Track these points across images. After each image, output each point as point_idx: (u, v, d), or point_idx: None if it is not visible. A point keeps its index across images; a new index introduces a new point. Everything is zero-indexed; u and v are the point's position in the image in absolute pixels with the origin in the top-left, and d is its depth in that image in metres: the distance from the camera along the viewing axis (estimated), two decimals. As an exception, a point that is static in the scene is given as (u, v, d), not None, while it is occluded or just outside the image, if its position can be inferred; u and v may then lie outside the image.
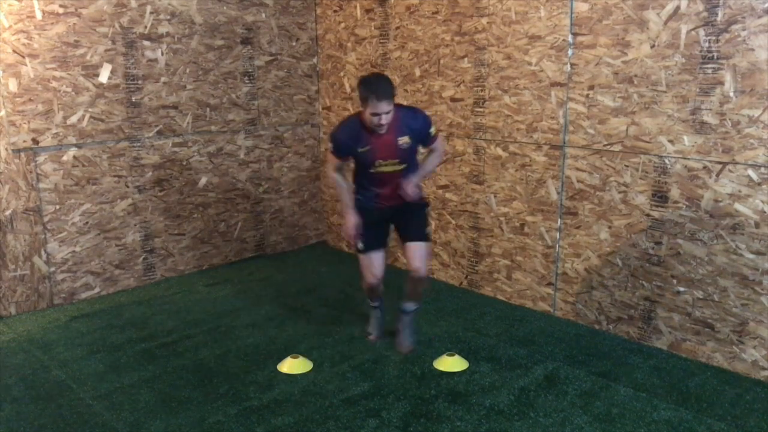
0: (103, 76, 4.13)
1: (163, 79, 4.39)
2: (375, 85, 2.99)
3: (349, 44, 4.89)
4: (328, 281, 4.58)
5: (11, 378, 3.23)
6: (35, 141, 3.94)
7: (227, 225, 4.92)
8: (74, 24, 3.97)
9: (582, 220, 3.68)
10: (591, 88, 3.50)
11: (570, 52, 3.56)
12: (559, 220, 3.78)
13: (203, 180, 4.72)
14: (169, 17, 4.35)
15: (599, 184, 3.56)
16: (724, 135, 3.03)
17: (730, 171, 3.05)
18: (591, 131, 3.54)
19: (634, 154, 3.38)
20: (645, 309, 3.48)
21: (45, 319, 3.98)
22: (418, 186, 3.28)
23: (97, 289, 4.34)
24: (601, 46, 3.41)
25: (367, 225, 3.30)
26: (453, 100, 4.22)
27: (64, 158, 4.07)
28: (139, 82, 4.29)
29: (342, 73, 5.01)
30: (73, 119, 4.06)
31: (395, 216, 3.36)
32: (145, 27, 4.25)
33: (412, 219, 3.34)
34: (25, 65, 3.83)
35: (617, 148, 3.44)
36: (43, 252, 4.08)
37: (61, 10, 3.92)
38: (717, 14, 2.97)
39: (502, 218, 4.08)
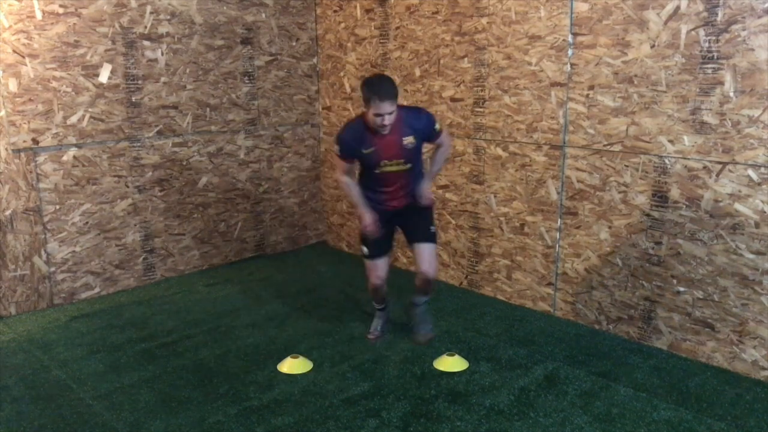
0: (103, 76, 4.13)
1: (163, 79, 4.39)
2: (378, 86, 3.03)
3: (349, 44, 4.89)
4: (328, 281, 4.58)
5: (11, 378, 3.23)
6: (35, 141, 3.94)
7: (227, 225, 4.92)
8: (74, 24, 3.97)
9: (582, 220, 3.68)
10: (591, 88, 3.50)
11: (570, 52, 3.56)
12: (559, 220, 3.78)
13: (203, 180, 4.72)
14: (169, 17, 4.35)
15: (599, 184, 3.56)
16: (724, 135, 3.03)
17: (730, 171, 3.05)
18: (591, 131, 3.54)
19: (634, 154, 3.38)
20: (645, 309, 3.48)
21: (45, 319, 3.98)
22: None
23: (97, 289, 4.34)
24: (601, 46, 3.41)
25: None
26: (453, 100, 4.22)
27: (64, 158, 4.07)
28: (139, 82, 4.29)
29: (342, 73, 5.01)
30: (73, 119, 4.06)
31: (401, 219, 3.39)
32: (145, 27, 4.25)
33: (419, 220, 3.38)
34: (25, 65, 3.83)
35: (617, 148, 3.44)
36: (43, 252, 4.08)
37: (61, 10, 3.92)
38: (717, 14, 2.97)
39: (502, 218, 4.08)
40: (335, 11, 4.95)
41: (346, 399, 2.98)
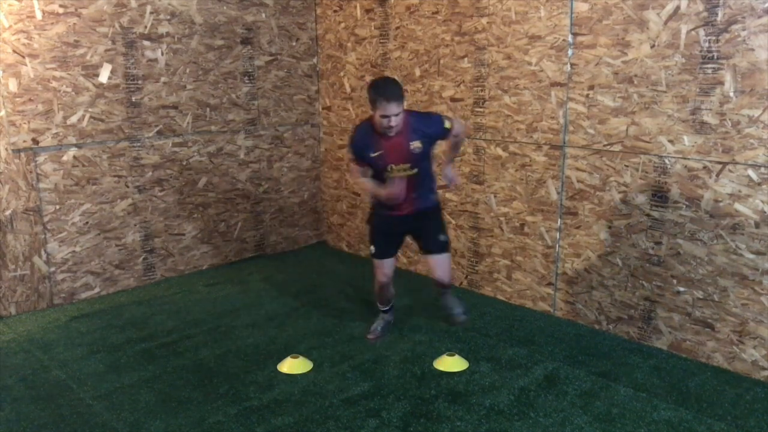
0: (103, 76, 4.13)
1: (163, 79, 4.39)
2: (383, 88, 3.08)
3: (349, 44, 4.89)
4: (328, 281, 4.58)
5: (11, 378, 3.23)
6: (35, 141, 3.94)
7: (227, 225, 4.92)
8: (74, 24, 3.97)
9: (582, 220, 3.68)
10: (591, 88, 3.50)
11: (570, 52, 3.56)
12: (559, 220, 3.78)
13: (203, 180, 4.72)
14: (169, 17, 4.35)
15: (599, 184, 3.56)
16: (724, 135, 3.03)
17: (730, 171, 3.05)
18: (591, 131, 3.54)
19: (634, 154, 3.38)
20: (645, 309, 3.48)
21: (45, 319, 3.98)
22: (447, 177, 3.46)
23: (97, 289, 4.34)
24: (601, 46, 3.41)
25: (383, 233, 3.43)
26: (453, 100, 4.22)
27: (64, 158, 4.07)
28: (139, 82, 4.29)
29: (342, 73, 5.01)
30: (73, 119, 4.06)
31: (411, 226, 3.42)
32: (145, 27, 4.25)
33: (430, 230, 3.41)
34: (25, 65, 3.83)
35: (617, 148, 3.44)
36: (43, 252, 4.08)
37: (61, 10, 3.92)
38: (717, 14, 2.97)
39: (502, 218, 4.08)
40: (335, 11, 4.95)
41: (346, 399, 2.98)
